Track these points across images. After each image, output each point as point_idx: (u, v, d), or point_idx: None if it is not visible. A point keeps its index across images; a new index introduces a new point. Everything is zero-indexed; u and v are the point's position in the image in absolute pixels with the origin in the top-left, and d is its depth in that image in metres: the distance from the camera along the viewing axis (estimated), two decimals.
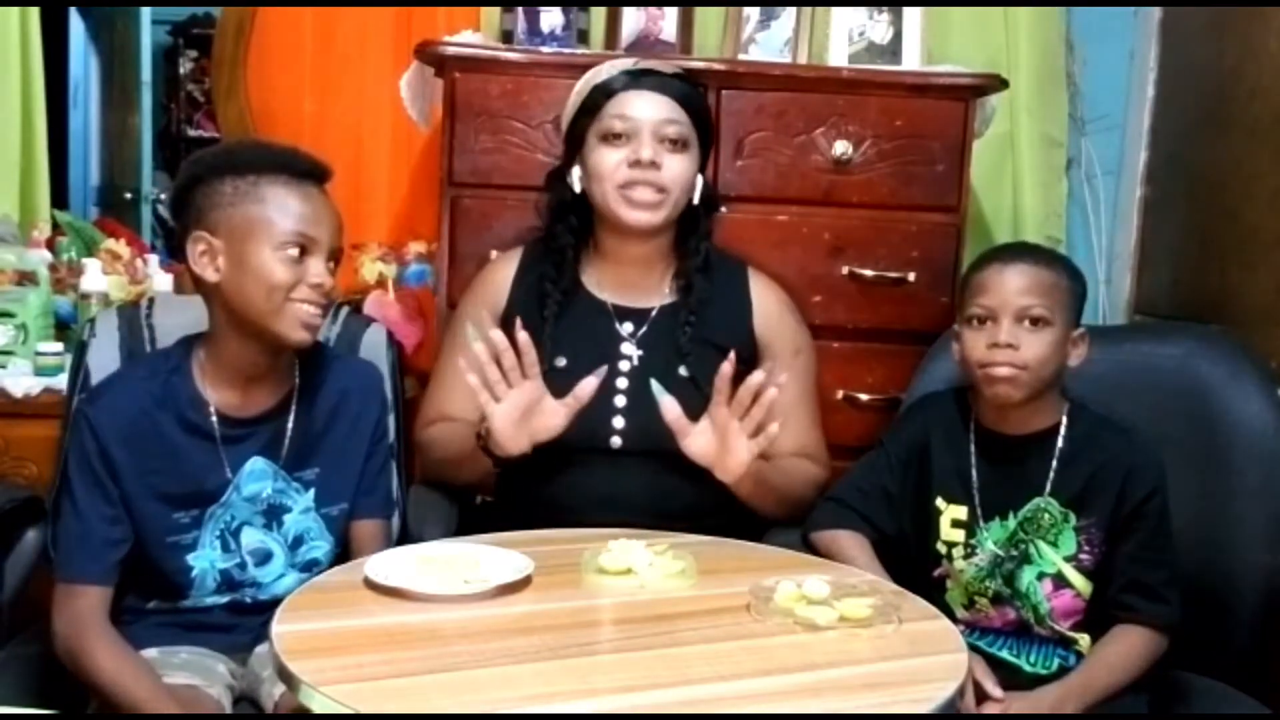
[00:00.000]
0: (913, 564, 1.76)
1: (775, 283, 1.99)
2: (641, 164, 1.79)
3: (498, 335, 1.68)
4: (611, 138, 1.81)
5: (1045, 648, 1.71)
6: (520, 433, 1.70)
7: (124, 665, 1.50)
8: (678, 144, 1.82)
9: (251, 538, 1.63)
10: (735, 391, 1.66)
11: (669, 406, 1.69)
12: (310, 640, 1.28)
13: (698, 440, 1.71)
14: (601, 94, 1.84)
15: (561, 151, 1.96)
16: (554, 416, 1.70)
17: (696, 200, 1.87)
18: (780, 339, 1.92)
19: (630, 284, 1.90)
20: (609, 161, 1.81)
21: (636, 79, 1.83)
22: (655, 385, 1.71)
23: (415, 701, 1.15)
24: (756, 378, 1.64)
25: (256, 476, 1.62)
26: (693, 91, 1.88)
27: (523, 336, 1.68)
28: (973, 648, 1.60)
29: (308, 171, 1.58)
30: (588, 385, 1.69)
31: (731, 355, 1.68)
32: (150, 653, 1.57)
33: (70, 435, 1.62)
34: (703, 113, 1.89)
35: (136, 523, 1.57)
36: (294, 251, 1.54)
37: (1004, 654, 1.72)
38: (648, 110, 1.81)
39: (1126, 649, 1.66)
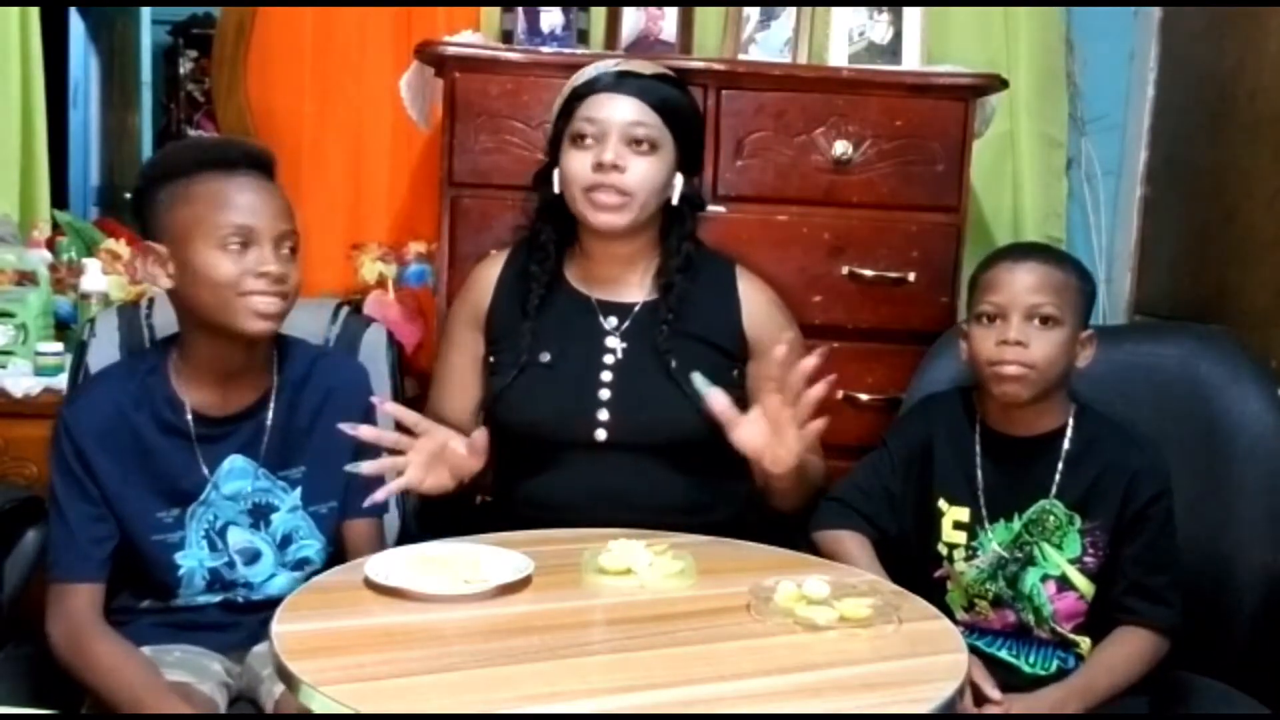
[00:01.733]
0: (914, 564, 1.76)
1: (763, 281, 1.98)
2: (604, 166, 1.78)
3: (365, 430, 1.62)
4: (579, 139, 1.81)
5: (1045, 649, 1.71)
6: (439, 479, 1.67)
7: (125, 660, 1.51)
8: (644, 145, 1.80)
9: (238, 537, 1.63)
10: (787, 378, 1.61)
11: (716, 397, 1.66)
12: (310, 640, 1.28)
13: (748, 430, 1.66)
14: (575, 97, 1.83)
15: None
16: (467, 460, 1.68)
17: (675, 200, 1.86)
18: (771, 335, 1.91)
19: (613, 280, 1.90)
20: (576, 164, 1.80)
21: (614, 81, 1.82)
22: (698, 377, 1.68)
23: (415, 701, 1.15)
24: (810, 362, 1.59)
25: (236, 475, 1.62)
26: (672, 93, 1.85)
27: (389, 406, 1.68)
28: (972, 648, 1.60)
29: (239, 161, 1.56)
30: (482, 435, 1.68)
31: (787, 338, 1.68)
32: (144, 651, 1.56)
33: (52, 438, 1.62)
34: (682, 112, 1.86)
35: (122, 521, 1.58)
36: (235, 245, 1.53)
37: (1003, 654, 1.72)
38: (615, 112, 1.79)
39: (1128, 651, 1.66)
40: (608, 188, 1.79)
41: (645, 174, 1.80)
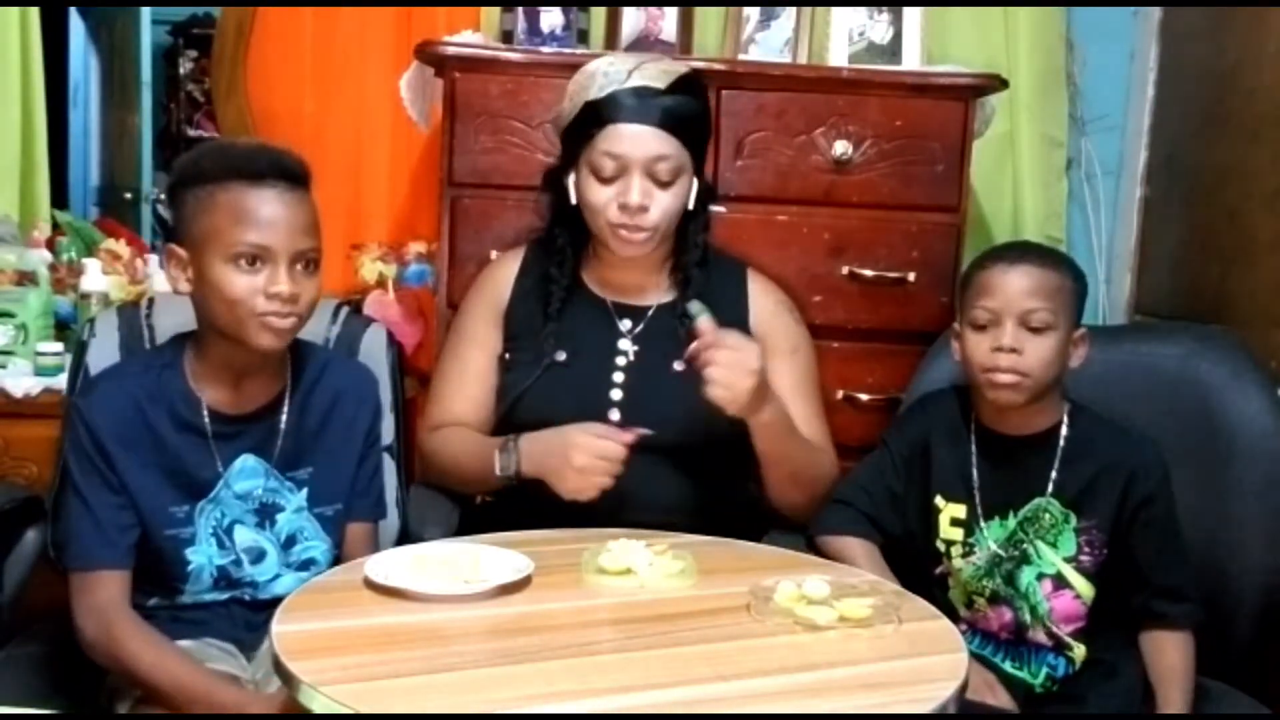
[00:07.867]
0: (917, 562, 1.76)
1: (774, 284, 1.99)
2: (629, 209, 1.77)
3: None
4: (600, 174, 1.79)
5: (1040, 655, 1.70)
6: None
7: (165, 652, 1.51)
8: (666, 177, 1.79)
9: (245, 536, 1.63)
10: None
11: (704, 324, 1.68)
12: (310, 640, 1.28)
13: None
14: (594, 118, 1.78)
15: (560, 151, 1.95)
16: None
17: (691, 206, 1.86)
18: (775, 336, 1.92)
19: (630, 284, 1.92)
20: (599, 198, 1.79)
21: (633, 105, 1.76)
22: (695, 304, 1.70)
23: (415, 701, 1.15)
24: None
25: (247, 474, 1.62)
26: (688, 105, 1.81)
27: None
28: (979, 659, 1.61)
29: (266, 172, 1.52)
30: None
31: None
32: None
33: (67, 430, 1.62)
34: (698, 122, 1.84)
35: (140, 513, 1.57)
36: (247, 263, 1.50)
37: (1007, 666, 1.71)
38: (637, 148, 1.76)
39: (1183, 658, 1.67)
40: (632, 226, 1.79)
41: (668, 207, 1.80)
